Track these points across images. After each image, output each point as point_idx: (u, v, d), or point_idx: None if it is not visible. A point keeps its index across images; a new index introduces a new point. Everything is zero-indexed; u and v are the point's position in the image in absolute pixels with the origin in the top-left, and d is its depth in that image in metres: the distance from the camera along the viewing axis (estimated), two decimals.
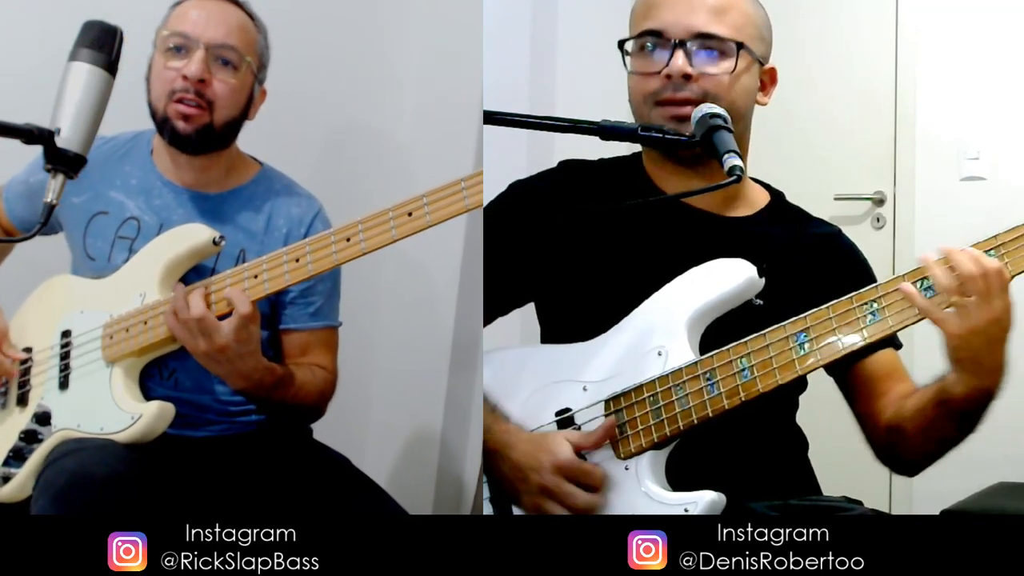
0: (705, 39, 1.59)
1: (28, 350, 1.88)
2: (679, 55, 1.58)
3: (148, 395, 1.80)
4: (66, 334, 1.84)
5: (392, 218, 1.64)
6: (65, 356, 1.83)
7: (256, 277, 1.71)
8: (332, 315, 1.97)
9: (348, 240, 1.67)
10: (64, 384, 1.82)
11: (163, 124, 1.84)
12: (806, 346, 1.47)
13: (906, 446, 1.56)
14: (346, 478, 1.86)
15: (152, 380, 1.83)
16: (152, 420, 1.72)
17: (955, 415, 1.47)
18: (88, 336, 1.82)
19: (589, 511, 1.49)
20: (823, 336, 1.46)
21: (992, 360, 1.41)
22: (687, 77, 1.58)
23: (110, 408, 1.74)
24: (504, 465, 1.54)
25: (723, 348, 1.50)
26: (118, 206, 1.89)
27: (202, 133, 1.83)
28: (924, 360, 1.59)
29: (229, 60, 1.84)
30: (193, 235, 1.80)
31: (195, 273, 1.82)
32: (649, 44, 1.60)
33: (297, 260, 1.69)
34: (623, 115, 1.61)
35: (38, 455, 1.77)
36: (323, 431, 1.99)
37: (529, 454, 1.52)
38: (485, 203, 1.71)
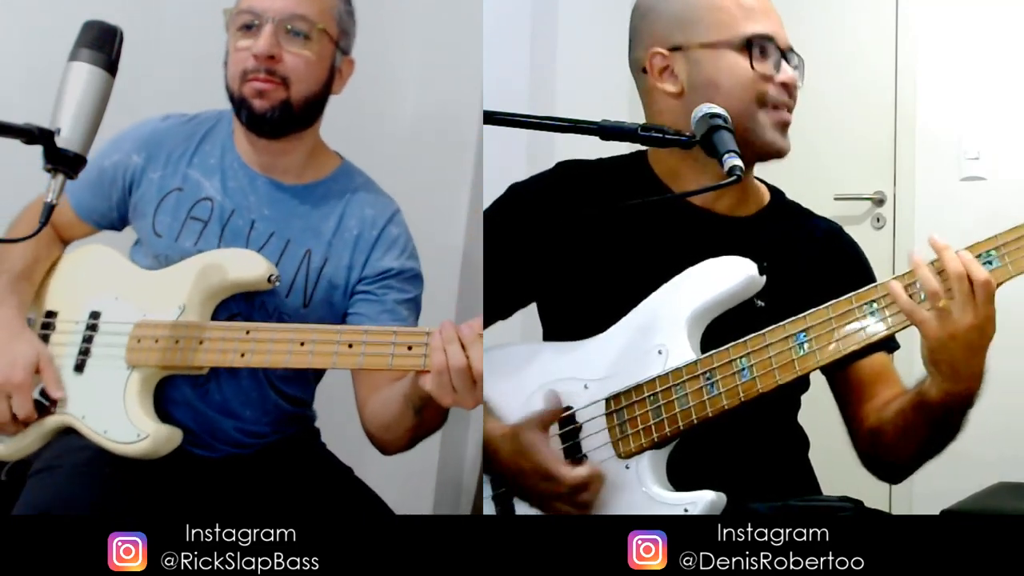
0: (792, 52, 1.63)
1: (53, 314, 1.83)
2: (787, 65, 1.61)
3: (174, 394, 1.76)
4: (95, 315, 1.79)
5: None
6: (88, 339, 1.78)
7: (302, 345, 1.63)
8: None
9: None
10: (80, 367, 1.77)
11: (240, 106, 1.77)
12: (806, 346, 1.47)
13: (886, 451, 1.56)
14: (347, 492, 1.83)
15: (184, 380, 1.77)
16: (158, 443, 1.69)
17: (931, 420, 1.47)
18: (116, 328, 1.76)
19: (585, 505, 1.50)
20: (823, 336, 1.46)
21: (969, 367, 1.41)
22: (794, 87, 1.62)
23: (120, 416, 1.70)
24: (497, 466, 1.56)
25: (723, 348, 1.50)
26: (194, 184, 1.83)
27: (280, 111, 1.76)
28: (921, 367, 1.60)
29: (300, 31, 1.75)
30: (250, 267, 1.74)
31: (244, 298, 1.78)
32: (759, 49, 1.60)
33: (350, 346, 1.61)
34: (623, 115, 1.61)
35: (41, 427, 1.74)
36: (325, 431, 1.99)
37: (511, 458, 1.53)
38: (484, 206, 1.71)
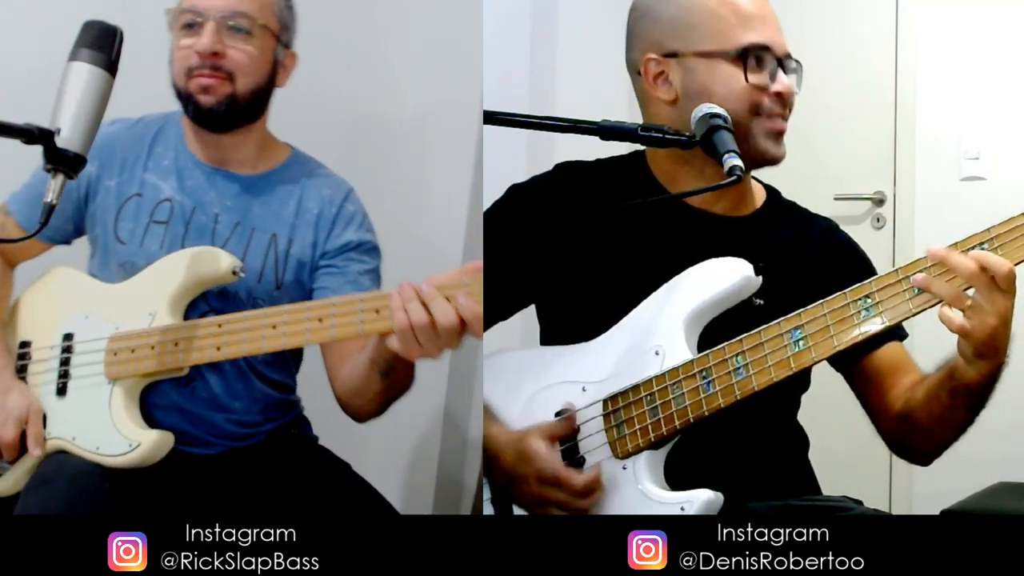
0: (790, 59, 1.63)
1: (27, 344, 1.85)
2: (783, 74, 1.61)
3: (161, 400, 1.78)
4: (68, 337, 1.81)
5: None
6: (65, 362, 1.80)
7: (275, 328, 1.65)
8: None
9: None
10: (62, 391, 1.78)
11: (187, 102, 1.81)
12: (801, 343, 1.47)
13: (920, 435, 1.56)
14: (346, 487, 1.84)
15: (169, 385, 1.79)
16: (150, 450, 1.70)
17: (969, 399, 1.47)
18: (91, 346, 1.78)
19: (585, 511, 1.50)
20: (818, 333, 1.46)
21: (1005, 341, 1.41)
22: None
23: (108, 430, 1.72)
24: (497, 471, 1.56)
25: (718, 346, 1.50)
26: (152, 188, 1.85)
27: (226, 105, 1.80)
28: (924, 357, 1.60)
29: (242, 27, 1.79)
30: (212, 261, 1.76)
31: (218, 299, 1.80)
32: (755, 59, 1.60)
33: (320, 320, 1.62)
34: (623, 115, 1.61)
35: (32, 457, 1.76)
36: (325, 431, 1.99)
37: (513, 464, 1.53)
38: (484, 206, 1.71)
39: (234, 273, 1.75)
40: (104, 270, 1.86)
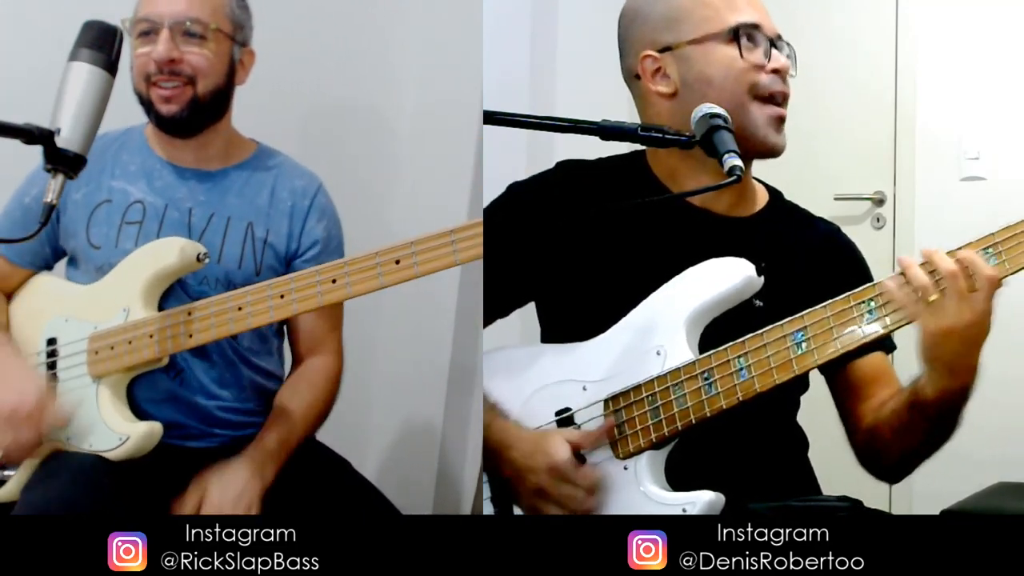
0: (781, 40, 1.63)
1: None
2: (778, 53, 1.61)
3: (152, 388, 1.80)
4: (51, 342, 1.83)
5: (379, 263, 1.63)
6: (51, 366, 1.81)
7: (240, 310, 1.69)
8: None
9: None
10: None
11: (148, 108, 1.84)
12: (803, 345, 1.47)
13: (883, 450, 1.56)
14: (344, 484, 1.85)
15: (160, 375, 1.81)
16: (140, 441, 1.72)
17: (927, 417, 1.47)
18: (73, 348, 1.80)
19: (585, 513, 1.50)
20: (820, 335, 1.46)
21: (965, 362, 1.41)
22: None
23: (99, 426, 1.74)
24: (503, 464, 1.55)
25: (721, 348, 1.50)
26: (121, 193, 1.86)
27: (189, 110, 1.82)
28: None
29: (196, 32, 1.81)
30: (177, 251, 1.76)
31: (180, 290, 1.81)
32: (747, 37, 1.60)
33: (282, 296, 1.67)
34: (623, 115, 1.61)
35: (31, 460, 1.77)
36: (324, 431, 1.99)
37: (526, 455, 1.52)
38: (484, 206, 1.71)
39: (199, 260, 1.76)
40: (83, 278, 1.87)
